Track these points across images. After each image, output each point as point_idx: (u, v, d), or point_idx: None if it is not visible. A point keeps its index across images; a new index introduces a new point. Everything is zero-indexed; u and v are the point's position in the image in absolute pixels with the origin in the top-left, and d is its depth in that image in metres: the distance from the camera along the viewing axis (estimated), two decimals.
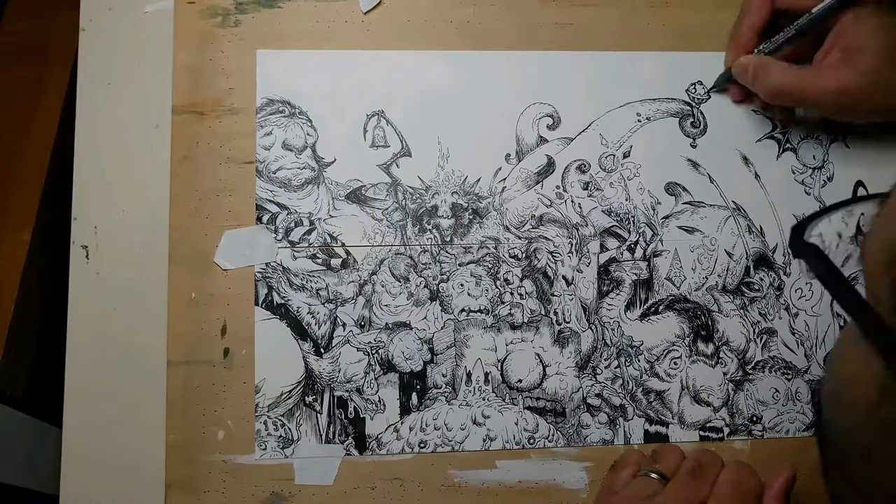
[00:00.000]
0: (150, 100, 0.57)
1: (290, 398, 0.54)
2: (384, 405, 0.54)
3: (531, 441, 0.55)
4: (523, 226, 0.57)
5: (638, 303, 0.57)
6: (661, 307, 0.57)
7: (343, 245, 0.56)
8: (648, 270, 0.57)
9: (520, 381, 0.55)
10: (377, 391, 0.54)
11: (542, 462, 0.55)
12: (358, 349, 0.55)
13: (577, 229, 0.57)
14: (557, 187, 0.58)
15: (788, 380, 0.57)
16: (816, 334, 0.58)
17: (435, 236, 0.56)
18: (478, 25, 0.59)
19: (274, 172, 0.56)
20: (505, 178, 0.57)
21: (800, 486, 0.56)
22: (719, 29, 0.60)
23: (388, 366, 0.55)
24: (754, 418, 0.56)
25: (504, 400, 0.55)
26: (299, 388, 0.54)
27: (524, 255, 0.57)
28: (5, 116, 0.66)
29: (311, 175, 0.56)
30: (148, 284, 0.55)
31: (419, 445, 0.54)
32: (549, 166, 0.58)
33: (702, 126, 0.59)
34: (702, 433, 0.56)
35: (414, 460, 0.54)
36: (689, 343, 0.57)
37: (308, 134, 0.57)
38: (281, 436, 0.53)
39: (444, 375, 0.55)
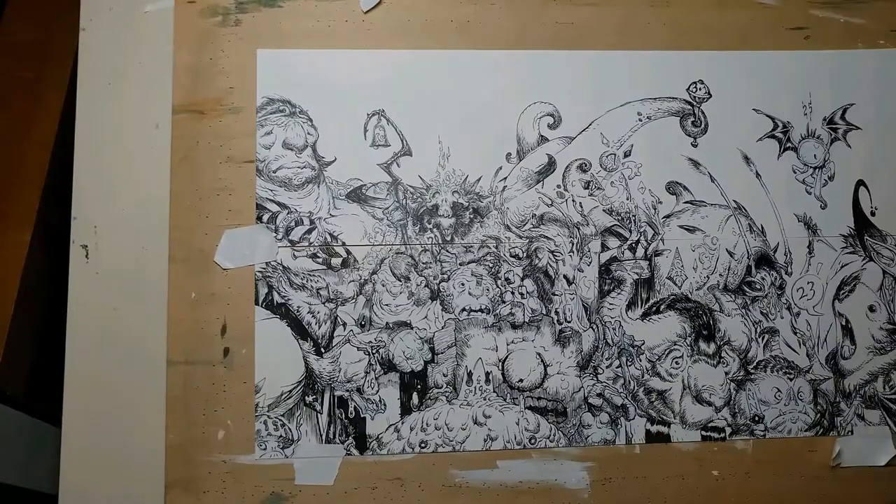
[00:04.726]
0: (150, 100, 0.57)
1: (290, 398, 0.54)
2: (385, 405, 0.54)
3: (532, 441, 0.55)
4: (524, 225, 0.57)
5: (639, 302, 0.57)
6: (662, 306, 0.57)
7: (343, 244, 0.56)
8: (650, 270, 0.57)
9: (521, 380, 0.55)
10: (378, 391, 0.54)
11: (543, 462, 0.54)
12: (358, 349, 0.55)
13: (579, 228, 0.57)
14: (558, 186, 0.58)
15: (790, 379, 0.57)
16: (818, 334, 0.57)
17: (436, 235, 0.56)
18: (478, 25, 0.59)
19: (274, 171, 0.56)
20: (506, 178, 0.57)
21: (800, 487, 0.56)
22: (719, 29, 0.60)
23: (388, 365, 0.55)
24: (756, 418, 0.56)
25: (505, 400, 0.55)
26: (299, 387, 0.54)
27: (525, 254, 0.57)
28: (5, 116, 0.66)
29: (312, 174, 0.56)
30: (148, 284, 0.55)
31: (420, 445, 0.54)
32: (550, 165, 0.58)
33: (703, 125, 0.59)
34: (704, 433, 0.56)
35: (414, 460, 0.54)
36: (690, 342, 0.57)
37: (308, 133, 0.57)
38: (281, 436, 0.53)
39: (444, 375, 0.55)
